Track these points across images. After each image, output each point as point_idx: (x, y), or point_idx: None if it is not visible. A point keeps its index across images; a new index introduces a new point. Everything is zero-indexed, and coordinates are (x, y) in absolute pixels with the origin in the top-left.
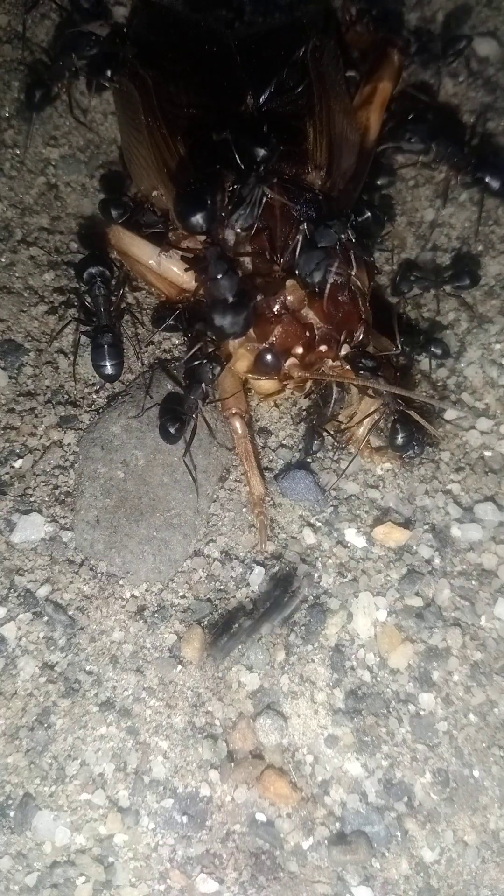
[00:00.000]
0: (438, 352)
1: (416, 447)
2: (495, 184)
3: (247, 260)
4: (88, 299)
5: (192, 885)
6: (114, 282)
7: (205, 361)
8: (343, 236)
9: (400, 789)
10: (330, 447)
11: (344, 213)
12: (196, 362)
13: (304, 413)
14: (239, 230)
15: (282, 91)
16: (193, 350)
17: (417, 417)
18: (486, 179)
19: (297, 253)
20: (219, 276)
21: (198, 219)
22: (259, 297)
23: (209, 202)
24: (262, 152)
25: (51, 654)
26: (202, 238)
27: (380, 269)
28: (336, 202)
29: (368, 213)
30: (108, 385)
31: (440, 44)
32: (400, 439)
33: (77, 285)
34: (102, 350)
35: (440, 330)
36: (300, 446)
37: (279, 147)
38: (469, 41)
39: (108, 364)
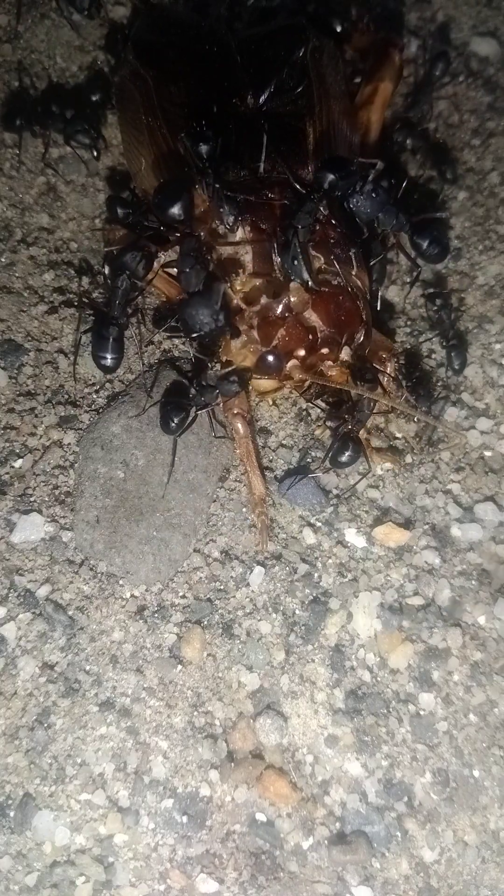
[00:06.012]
0: (456, 364)
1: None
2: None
3: (248, 260)
4: (109, 288)
5: (192, 885)
6: (139, 284)
7: (229, 377)
8: (304, 227)
9: (400, 789)
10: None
11: (307, 201)
12: (223, 377)
13: (328, 419)
14: (225, 227)
15: (282, 91)
16: (211, 361)
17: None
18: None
19: (278, 253)
20: (186, 270)
21: (173, 210)
22: (263, 299)
23: (185, 194)
24: (205, 149)
25: (51, 654)
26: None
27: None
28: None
29: (331, 176)
30: (108, 385)
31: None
32: (345, 457)
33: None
34: (106, 342)
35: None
36: (300, 446)
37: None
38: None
39: (108, 356)
